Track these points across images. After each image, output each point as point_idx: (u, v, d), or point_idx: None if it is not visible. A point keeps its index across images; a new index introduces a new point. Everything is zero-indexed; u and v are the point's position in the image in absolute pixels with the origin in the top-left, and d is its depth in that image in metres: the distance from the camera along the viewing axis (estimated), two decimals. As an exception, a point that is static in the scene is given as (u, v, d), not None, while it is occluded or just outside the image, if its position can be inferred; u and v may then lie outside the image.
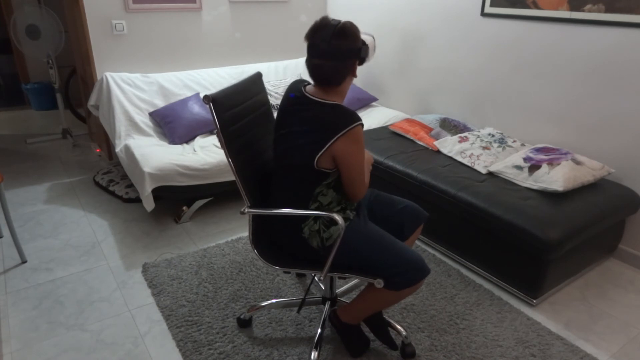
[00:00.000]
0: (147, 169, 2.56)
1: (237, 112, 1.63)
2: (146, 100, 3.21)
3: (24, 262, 2.38)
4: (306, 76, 3.88)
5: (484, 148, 2.62)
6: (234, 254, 2.47)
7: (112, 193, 3.14)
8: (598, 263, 2.49)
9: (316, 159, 1.49)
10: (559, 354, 1.85)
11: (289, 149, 1.56)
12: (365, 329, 1.94)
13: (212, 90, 3.43)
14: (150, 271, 2.31)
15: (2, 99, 5.66)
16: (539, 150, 2.48)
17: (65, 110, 4.23)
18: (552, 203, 2.15)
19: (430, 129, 2.96)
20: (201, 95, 3.33)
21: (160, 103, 3.25)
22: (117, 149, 2.96)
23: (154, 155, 2.68)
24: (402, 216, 1.77)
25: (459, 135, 2.79)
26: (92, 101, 3.30)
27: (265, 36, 3.94)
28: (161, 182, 2.59)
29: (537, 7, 2.64)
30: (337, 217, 1.48)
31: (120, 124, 3.03)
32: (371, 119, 3.49)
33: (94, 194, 3.15)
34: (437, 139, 2.87)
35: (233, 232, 2.72)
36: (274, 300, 2.00)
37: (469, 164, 2.57)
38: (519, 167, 2.37)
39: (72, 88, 4.78)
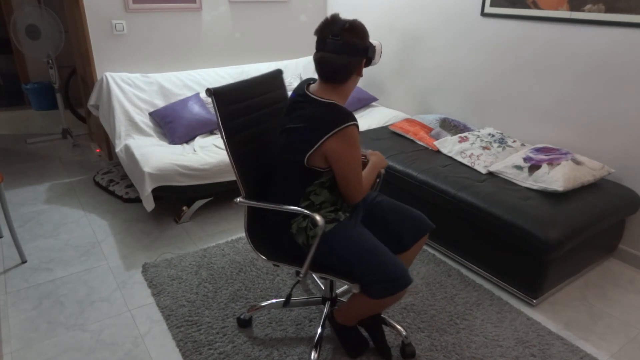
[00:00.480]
0: (147, 169, 2.56)
1: (242, 107, 1.66)
2: (146, 100, 3.21)
3: (24, 262, 2.38)
4: (305, 76, 3.88)
5: (484, 148, 2.62)
6: (234, 254, 2.47)
7: (112, 193, 3.14)
8: (598, 263, 2.49)
9: (306, 157, 1.50)
10: (559, 354, 1.85)
11: (284, 145, 1.58)
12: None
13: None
14: (150, 271, 2.31)
15: (2, 99, 5.66)
16: (539, 150, 2.48)
17: (65, 110, 4.23)
18: (552, 203, 2.15)
19: (430, 129, 2.96)
20: (201, 96, 3.33)
21: (160, 103, 3.25)
22: (117, 149, 2.95)
23: (154, 155, 2.68)
24: (403, 225, 1.71)
25: (459, 135, 2.79)
26: (92, 101, 3.30)
27: (265, 36, 3.94)
28: (161, 182, 2.59)
29: (537, 7, 2.64)
30: (318, 217, 1.47)
31: (120, 124, 3.03)
32: (371, 119, 3.49)
33: (94, 194, 3.15)
34: (437, 139, 2.87)
35: (233, 232, 2.72)
36: (274, 300, 2.00)
37: (469, 164, 2.57)
38: (519, 167, 2.37)
39: (72, 88, 4.78)
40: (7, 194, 3.11)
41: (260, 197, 1.72)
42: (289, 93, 3.47)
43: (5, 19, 4.86)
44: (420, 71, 3.52)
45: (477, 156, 2.57)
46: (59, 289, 2.18)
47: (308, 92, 1.55)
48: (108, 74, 3.17)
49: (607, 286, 2.31)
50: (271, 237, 1.71)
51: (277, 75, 1.88)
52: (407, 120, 3.10)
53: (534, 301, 2.13)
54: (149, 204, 2.61)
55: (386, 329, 1.93)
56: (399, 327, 1.85)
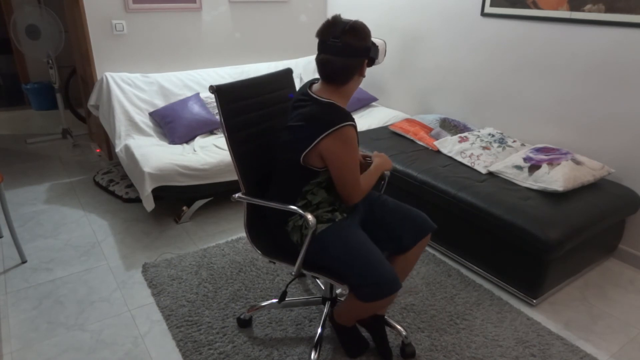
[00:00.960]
0: (147, 169, 2.56)
1: (246, 104, 1.67)
2: (146, 100, 3.21)
3: (24, 262, 2.38)
4: (306, 77, 3.88)
5: (484, 148, 2.62)
6: (234, 254, 2.47)
7: (112, 193, 3.14)
8: (598, 263, 2.49)
9: (302, 155, 1.50)
10: (559, 354, 1.85)
11: (284, 143, 1.58)
12: (364, 330, 1.94)
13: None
14: (150, 271, 2.31)
15: (2, 99, 5.66)
16: (539, 150, 2.48)
17: (65, 110, 4.23)
18: (552, 203, 2.15)
19: (430, 129, 2.96)
20: (201, 96, 3.33)
21: (160, 103, 3.25)
22: (117, 149, 2.95)
23: (154, 155, 2.68)
24: (404, 225, 1.69)
25: (459, 135, 2.79)
26: (92, 101, 3.30)
27: (265, 36, 3.94)
28: (161, 182, 2.59)
29: (537, 7, 2.64)
30: (309, 217, 1.47)
31: (120, 124, 3.03)
32: (371, 119, 3.49)
33: (94, 194, 3.15)
34: (437, 139, 2.87)
35: (233, 232, 2.72)
36: (274, 300, 2.00)
37: (469, 164, 2.57)
38: (519, 167, 2.37)
39: (72, 88, 4.78)
40: (7, 194, 3.11)
41: (260, 194, 1.72)
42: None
43: (5, 19, 4.86)
44: (420, 71, 3.52)
45: (477, 156, 2.57)
46: (59, 289, 2.18)
47: (310, 92, 1.56)
48: (108, 74, 3.17)
49: (607, 286, 2.31)
50: (269, 234, 1.72)
51: (286, 74, 1.88)
52: (407, 120, 3.10)
53: (534, 301, 2.13)
54: (149, 204, 2.61)
55: (386, 329, 1.93)
56: (399, 327, 1.85)
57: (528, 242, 2.02)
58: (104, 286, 2.22)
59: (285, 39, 4.05)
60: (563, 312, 2.11)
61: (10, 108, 5.28)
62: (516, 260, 2.14)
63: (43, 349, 1.83)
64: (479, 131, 2.82)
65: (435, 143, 2.81)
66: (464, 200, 2.27)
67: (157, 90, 3.28)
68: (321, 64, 1.50)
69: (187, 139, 3.03)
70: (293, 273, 1.58)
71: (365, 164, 1.75)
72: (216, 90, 1.56)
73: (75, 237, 2.62)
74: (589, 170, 2.31)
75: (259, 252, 1.68)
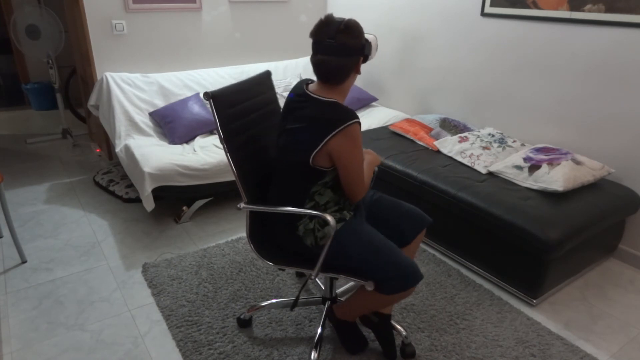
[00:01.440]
0: (147, 169, 2.56)
1: (239, 109, 1.64)
2: (146, 100, 3.21)
3: (24, 262, 2.38)
4: (305, 76, 3.88)
5: (484, 148, 2.62)
6: (234, 254, 2.47)
7: (112, 193, 3.14)
8: (598, 263, 2.49)
9: (312, 156, 1.50)
10: (559, 354, 1.85)
11: (287, 146, 1.57)
12: (365, 330, 1.94)
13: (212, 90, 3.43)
14: (150, 271, 2.31)
15: (2, 99, 5.66)
16: (539, 150, 2.48)
17: (65, 110, 4.23)
18: (552, 203, 2.15)
19: (430, 129, 2.96)
20: (201, 96, 3.33)
21: (160, 103, 3.25)
22: (117, 149, 2.95)
23: (154, 155, 2.68)
24: (403, 221, 1.75)
25: (459, 135, 2.79)
26: (92, 101, 3.30)
27: (265, 36, 3.94)
28: (161, 182, 2.59)
29: (537, 7, 2.64)
30: (329, 218, 1.47)
31: (120, 124, 3.03)
32: (371, 119, 3.49)
33: (94, 194, 3.15)
34: (437, 139, 2.87)
35: (233, 232, 2.72)
36: (274, 300, 2.00)
37: (469, 164, 2.57)
38: (519, 167, 2.37)
39: (72, 88, 4.78)
40: (7, 194, 3.11)
41: (260, 200, 1.71)
42: (285, 94, 3.45)
43: (5, 19, 4.86)
44: (420, 71, 3.52)
45: (477, 156, 2.57)
46: (59, 289, 2.18)
47: (308, 92, 1.55)
48: (108, 74, 3.17)
49: (607, 286, 2.31)
50: (275, 240, 1.70)
51: (267, 76, 1.87)
52: (407, 120, 3.10)
53: (534, 301, 2.13)
54: (149, 204, 2.61)
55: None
56: (399, 327, 1.85)
57: (528, 242, 2.02)
58: (104, 286, 2.22)
59: (285, 39, 4.06)
60: (563, 312, 2.11)
61: (10, 108, 5.28)
62: (516, 260, 2.14)
63: (43, 349, 1.83)
64: (479, 131, 2.82)
65: (435, 143, 2.81)
66: (464, 200, 2.27)
67: (157, 90, 3.28)
68: (317, 64, 1.50)
69: (187, 139, 3.03)
70: (313, 277, 1.58)
71: None
72: (212, 96, 1.53)
73: (75, 237, 2.62)
74: (589, 170, 2.31)
75: (269, 263, 1.65)
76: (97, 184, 3.28)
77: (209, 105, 3.27)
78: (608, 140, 2.48)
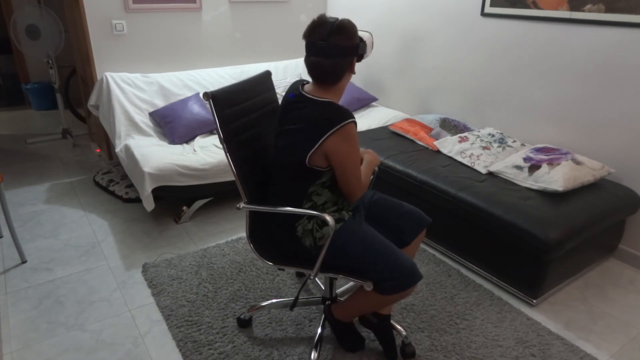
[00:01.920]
0: (147, 169, 2.56)
1: (239, 110, 1.65)
2: (146, 100, 3.21)
3: (24, 262, 2.38)
4: (306, 76, 3.88)
5: (484, 148, 2.62)
6: (234, 254, 2.47)
7: (112, 193, 3.14)
8: (598, 263, 2.49)
9: (308, 156, 1.50)
10: (559, 354, 1.85)
11: (284, 146, 1.57)
12: (365, 330, 1.94)
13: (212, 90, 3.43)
14: (150, 271, 2.31)
15: (2, 99, 5.66)
16: (539, 150, 2.48)
17: (65, 110, 4.23)
18: (552, 203, 2.15)
19: (430, 129, 2.96)
20: (201, 96, 3.33)
21: (160, 103, 3.25)
22: (117, 149, 2.96)
23: (154, 155, 2.68)
24: (403, 221, 1.74)
25: (459, 135, 2.79)
26: (92, 101, 3.30)
27: (265, 36, 3.94)
28: (161, 182, 2.59)
29: (537, 7, 2.64)
30: (328, 218, 1.48)
31: (120, 124, 3.03)
32: (371, 119, 3.49)
33: (94, 194, 3.15)
34: (437, 139, 2.87)
35: (233, 232, 2.72)
36: (274, 300, 2.00)
37: (469, 164, 2.57)
38: (519, 167, 2.37)
39: (72, 88, 4.78)
40: (7, 194, 3.11)
41: (260, 200, 1.71)
42: (281, 95, 3.44)
43: (5, 19, 4.86)
44: (420, 71, 3.52)
45: (477, 156, 2.57)
46: (59, 289, 2.18)
47: (304, 92, 1.55)
48: (108, 74, 3.17)
49: (607, 286, 2.31)
50: (274, 240, 1.70)
51: (267, 76, 1.87)
52: (407, 120, 3.10)
53: (534, 301, 2.13)
54: (149, 204, 2.61)
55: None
56: (399, 327, 1.85)
57: (528, 242, 2.02)
58: (104, 286, 2.22)
59: (285, 39, 4.06)
60: (563, 312, 2.11)
61: (10, 108, 5.28)
62: (516, 260, 2.14)
63: (43, 349, 1.83)
64: (479, 131, 2.82)
65: (435, 143, 2.81)
66: (464, 200, 2.27)
67: (157, 90, 3.28)
68: (311, 66, 1.50)
69: (187, 139, 3.03)
70: (312, 277, 1.58)
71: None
72: (212, 97, 1.53)
73: (75, 237, 2.62)
74: (589, 170, 2.31)
75: (269, 263, 1.65)
76: (97, 184, 3.28)
77: (208, 106, 3.28)
78: (608, 140, 2.48)
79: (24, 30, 3.68)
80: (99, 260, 2.42)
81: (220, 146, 2.89)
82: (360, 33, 1.54)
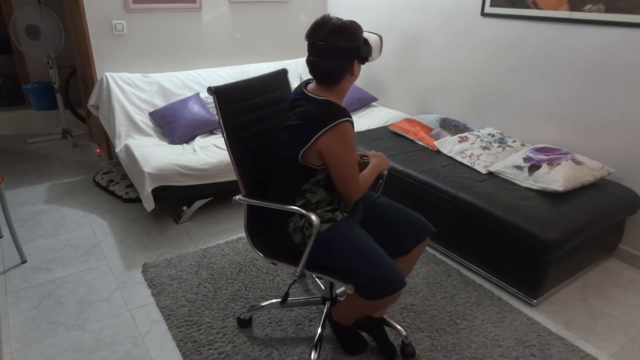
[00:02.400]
0: (147, 169, 2.56)
1: (245, 105, 1.66)
2: (146, 100, 3.21)
3: (24, 262, 2.38)
4: (305, 76, 3.88)
5: (484, 148, 2.62)
6: (234, 254, 2.47)
7: (112, 193, 3.14)
8: (598, 263, 2.49)
9: (301, 153, 1.50)
10: (559, 354, 1.85)
11: (282, 142, 1.58)
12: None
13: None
14: (150, 271, 2.31)
15: (2, 99, 5.66)
16: (539, 150, 2.48)
17: (65, 110, 4.23)
18: (552, 203, 2.15)
19: (430, 129, 2.96)
20: (201, 96, 3.33)
21: (160, 103, 3.25)
22: (117, 149, 2.96)
23: (154, 155, 2.68)
24: (404, 228, 1.69)
25: (459, 135, 2.79)
26: (92, 101, 3.30)
27: (265, 36, 3.94)
28: (161, 182, 2.59)
29: (537, 7, 2.64)
30: (313, 217, 1.47)
31: (120, 124, 3.03)
32: (371, 119, 3.49)
33: (94, 194, 3.15)
34: (437, 139, 2.87)
35: (233, 232, 2.72)
36: (274, 300, 2.00)
37: (469, 164, 2.57)
38: (519, 167, 2.37)
39: (72, 88, 4.77)
40: (7, 194, 3.11)
41: (260, 196, 1.72)
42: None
43: (5, 19, 4.86)
44: (420, 71, 3.52)
45: (477, 156, 2.57)
46: (59, 289, 2.18)
47: (306, 91, 1.56)
48: (108, 74, 3.17)
49: (607, 286, 2.31)
50: (270, 235, 1.71)
51: (282, 74, 1.88)
52: (407, 120, 3.10)
53: (534, 301, 2.13)
54: (149, 204, 2.61)
55: (386, 329, 1.93)
56: (399, 327, 1.85)
57: (528, 242, 2.02)
58: (104, 286, 2.22)
59: (286, 39, 4.06)
60: (563, 312, 2.11)
61: (10, 108, 5.28)
62: (516, 260, 2.14)
63: (43, 349, 1.83)
64: (479, 131, 2.82)
65: (435, 143, 2.81)
66: (464, 200, 2.27)
67: (157, 90, 3.28)
68: (310, 66, 1.51)
69: (187, 139, 3.03)
70: (297, 274, 1.58)
71: (362, 164, 1.75)
72: (215, 91, 1.56)
73: (75, 237, 2.62)
74: (589, 170, 2.31)
75: (260, 254, 1.67)
76: (97, 184, 3.28)
77: (209, 106, 3.28)
78: (608, 140, 2.48)
79: (24, 30, 3.68)
80: (99, 260, 2.42)
81: (221, 146, 2.89)
82: (367, 35, 1.52)
